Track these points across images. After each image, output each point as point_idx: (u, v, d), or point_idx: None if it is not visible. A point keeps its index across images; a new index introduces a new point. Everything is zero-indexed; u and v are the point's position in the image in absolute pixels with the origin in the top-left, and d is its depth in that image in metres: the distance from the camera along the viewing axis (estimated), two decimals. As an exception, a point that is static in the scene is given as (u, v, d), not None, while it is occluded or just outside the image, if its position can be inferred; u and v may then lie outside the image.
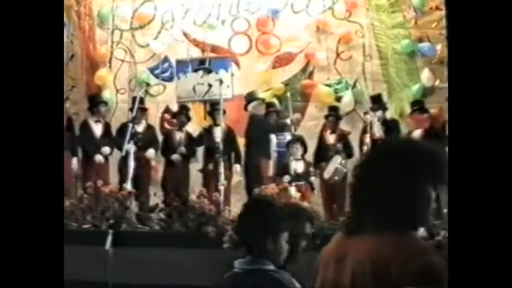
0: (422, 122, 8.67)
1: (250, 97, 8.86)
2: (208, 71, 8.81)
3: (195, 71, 8.94)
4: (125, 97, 10.08)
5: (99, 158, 8.60)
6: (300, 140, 8.76)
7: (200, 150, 8.94)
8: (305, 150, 8.83)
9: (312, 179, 8.74)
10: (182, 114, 9.03)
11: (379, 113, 8.78)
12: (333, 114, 9.09)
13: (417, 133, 8.63)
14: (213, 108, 8.79)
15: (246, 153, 8.68)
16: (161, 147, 9.00)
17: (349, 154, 8.78)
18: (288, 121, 8.72)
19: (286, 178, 8.34)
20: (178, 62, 9.56)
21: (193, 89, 8.79)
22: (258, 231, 2.64)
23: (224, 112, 8.70)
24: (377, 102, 8.99)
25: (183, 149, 8.81)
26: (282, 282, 2.65)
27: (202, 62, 9.18)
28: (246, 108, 8.86)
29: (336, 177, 8.47)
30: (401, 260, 1.85)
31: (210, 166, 8.51)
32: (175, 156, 8.73)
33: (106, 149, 8.68)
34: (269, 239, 2.65)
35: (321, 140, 9.03)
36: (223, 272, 2.67)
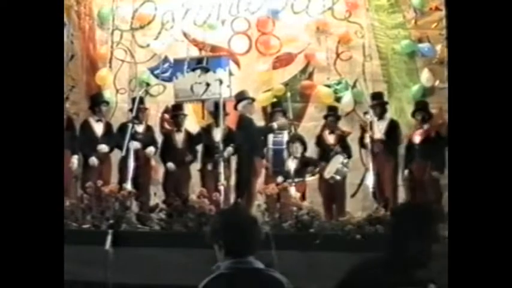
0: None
1: (239, 96, 8.83)
2: (206, 70, 8.79)
3: (193, 70, 8.92)
4: (124, 97, 10.07)
5: (93, 160, 8.55)
6: (299, 138, 8.76)
7: (200, 151, 8.92)
8: (305, 149, 8.82)
9: (310, 178, 8.75)
10: (179, 114, 9.01)
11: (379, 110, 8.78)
12: (332, 114, 9.08)
13: (418, 132, 8.65)
14: (216, 108, 8.72)
15: (238, 153, 8.65)
16: (161, 148, 8.97)
17: (348, 154, 8.77)
18: (275, 124, 8.66)
19: (280, 179, 8.35)
20: (176, 61, 9.55)
21: (191, 88, 8.77)
22: None
23: (227, 114, 8.70)
24: (377, 98, 8.99)
25: (190, 156, 8.79)
26: (281, 281, 2.77)
27: (199, 61, 9.16)
28: (235, 108, 8.83)
29: (338, 177, 8.46)
30: None
31: (210, 166, 8.50)
32: (170, 165, 8.72)
33: (103, 147, 8.65)
34: None
35: (320, 140, 9.01)
36: (210, 273, 2.73)
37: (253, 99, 8.91)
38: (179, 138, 8.90)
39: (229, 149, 8.53)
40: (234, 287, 2.66)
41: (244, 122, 8.53)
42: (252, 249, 2.75)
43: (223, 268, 2.70)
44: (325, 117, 9.12)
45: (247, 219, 2.87)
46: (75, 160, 8.55)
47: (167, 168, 8.76)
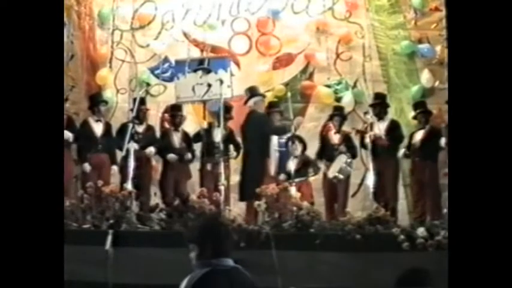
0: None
1: (251, 92, 8.79)
2: (207, 71, 8.79)
3: (194, 71, 8.91)
4: (125, 97, 10.06)
5: (86, 167, 8.50)
6: (298, 138, 8.75)
7: (200, 150, 8.91)
8: (304, 148, 8.81)
9: (312, 178, 8.76)
10: (177, 114, 8.99)
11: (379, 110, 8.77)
12: (338, 114, 9.06)
13: (419, 134, 8.65)
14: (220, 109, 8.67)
15: (243, 150, 8.63)
16: (159, 147, 8.93)
17: (353, 154, 8.77)
18: (290, 123, 8.63)
19: (282, 176, 8.37)
20: (178, 62, 9.55)
21: (193, 89, 8.77)
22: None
23: (232, 118, 8.70)
24: (379, 98, 8.99)
25: (189, 155, 8.76)
26: (248, 276, 3.22)
27: (201, 62, 9.15)
28: (246, 103, 8.81)
29: (341, 177, 8.47)
30: None
31: (210, 166, 8.49)
32: (170, 156, 8.65)
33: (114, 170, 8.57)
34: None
35: (325, 139, 8.99)
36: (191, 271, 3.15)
37: (264, 96, 8.90)
38: (177, 137, 8.89)
39: (233, 152, 8.56)
40: (220, 282, 3.09)
41: (255, 117, 8.53)
42: (229, 252, 3.20)
43: (208, 267, 3.11)
44: (331, 116, 9.10)
45: (225, 227, 3.39)
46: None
47: (166, 163, 8.71)
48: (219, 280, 3.08)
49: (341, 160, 8.55)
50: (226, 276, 3.11)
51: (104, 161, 8.62)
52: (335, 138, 8.90)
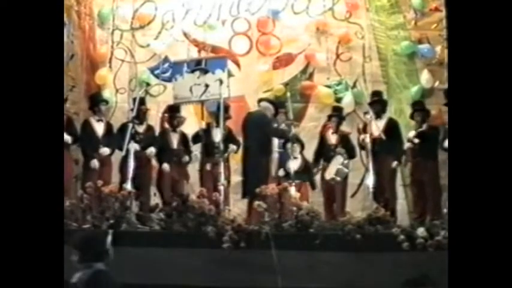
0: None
1: (267, 99, 8.93)
2: (205, 72, 8.79)
3: (192, 71, 8.91)
4: (124, 97, 10.05)
5: (94, 163, 8.51)
6: (296, 138, 8.76)
7: (200, 151, 8.92)
8: (302, 148, 8.82)
9: (313, 178, 8.77)
10: (175, 116, 8.99)
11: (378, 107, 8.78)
12: (337, 115, 9.05)
13: (417, 133, 8.65)
14: (218, 108, 8.69)
15: (244, 149, 8.63)
16: (157, 148, 8.91)
17: (351, 155, 8.76)
18: (290, 123, 8.66)
19: (281, 172, 8.37)
20: (175, 63, 9.54)
21: (190, 89, 8.77)
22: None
23: (230, 117, 8.71)
24: (376, 96, 8.99)
25: (187, 158, 8.77)
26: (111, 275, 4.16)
27: (198, 62, 9.15)
28: (258, 103, 8.86)
29: (338, 178, 8.48)
30: None
31: (209, 166, 8.49)
32: (165, 166, 8.67)
33: (105, 150, 8.63)
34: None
35: (323, 140, 9.00)
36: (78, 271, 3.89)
37: (274, 105, 8.90)
38: (175, 139, 8.88)
39: (233, 147, 8.57)
40: (101, 279, 4.02)
41: (255, 116, 8.55)
42: (103, 257, 4.15)
43: (91, 268, 3.95)
44: (330, 117, 9.11)
45: (102, 237, 4.68)
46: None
47: (162, 169, 8.72)
48: (101, 278, 4.02)
49: (338, 161, 8.56)
50: (104, 274, 4.08)
51: (106, 161, 8.63)
52: (332, 138, 8.90)
